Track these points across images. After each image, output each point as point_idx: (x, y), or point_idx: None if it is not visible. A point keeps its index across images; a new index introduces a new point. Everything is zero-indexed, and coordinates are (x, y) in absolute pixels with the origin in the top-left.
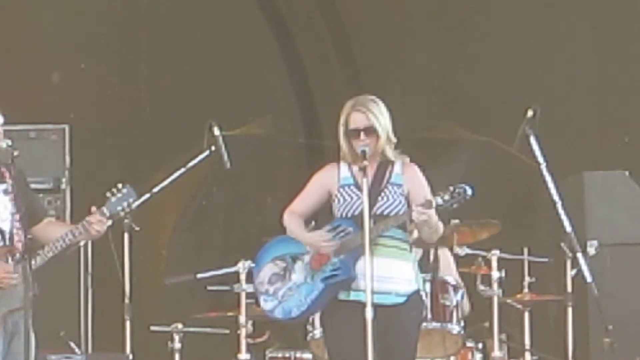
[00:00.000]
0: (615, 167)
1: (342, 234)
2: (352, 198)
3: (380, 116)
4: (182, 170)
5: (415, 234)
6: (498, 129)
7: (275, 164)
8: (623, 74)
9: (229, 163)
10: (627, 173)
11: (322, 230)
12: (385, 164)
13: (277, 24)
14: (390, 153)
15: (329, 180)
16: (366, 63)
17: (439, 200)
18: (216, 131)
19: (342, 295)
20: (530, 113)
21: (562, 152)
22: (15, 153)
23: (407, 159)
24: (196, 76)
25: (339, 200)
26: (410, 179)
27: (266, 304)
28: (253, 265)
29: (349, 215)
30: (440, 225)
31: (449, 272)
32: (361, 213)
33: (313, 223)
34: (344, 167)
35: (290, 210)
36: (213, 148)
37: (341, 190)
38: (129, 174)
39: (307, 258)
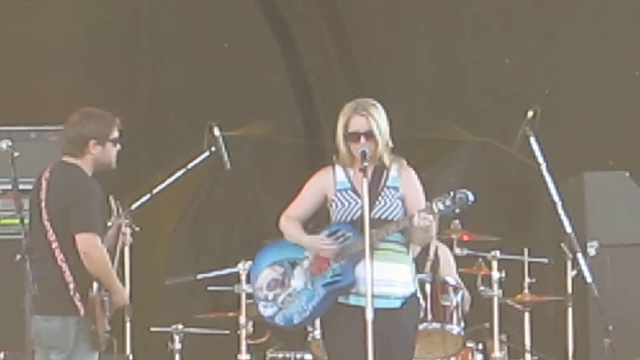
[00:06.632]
0: (616, 168)
1: (341, 239)
2: (349, 203)
3: (380, 121)
4: (183, 171)
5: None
6: (498, 129)
7: (275, 164)
8: (623, 73)
9: (229, 164)
10: (627, 174)
11: (320, 234)
12: (381, 168)
13: (277, 24)
14: (387, 158)
15: (325, 184)
16: (366, 63)
17: (441, 206)
18: (216, 132)
19: (341, 299)
20: (530, 114)
21: (562, 153)
22: (16, 154)
23: (404, 162)
24: (196, 76)
25: (336, 205)
26: (406, 182)
27: (266, 310)
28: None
29: (347, 220)
30: (435, 230)
31: (449, 271)
32: (360, 218)
33: (309, 226)
34: (339, 171)
35: (287, 215)
36: (213, 149)
37: (338, 194)
38: (129, 174)
39: (306, 263)
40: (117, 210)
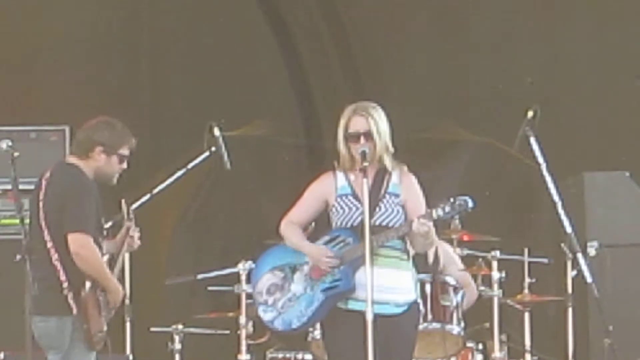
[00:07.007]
0: (616, 168)
1: (341, 244)
2: (350, 209)
3: (380, 122)
4: (183, 171)
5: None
6: (498, 129)
7: (275, 164)
8: (623, 74)
9: (229, 164)
10: (627, 174)
11: (321, 240)
12: (382, 173)
13: (277, 24)
14: (388, 162)
15: (326, 189)
16: (366, 64)
17: (440, 212)
18: (216, 132)
19: (340, 304)
20: (530, 114)
21: (562, 153)
22: (16, 154)
23: (405, 168)
24: (196, 77)
25: (337, 211)
26: (407, 189)
27: (265, 315)
28: (253, 266)
29: (347, 225)
30: (435, 236)
31: (453, 264)
32: (360, 223)
33: (313, 224)
34: (340, 176)
35: (288, 220)
36: (213, 149)
37: (339, 200)
38: (129, 175)
39: (306, 268)
40: (128, 214)
